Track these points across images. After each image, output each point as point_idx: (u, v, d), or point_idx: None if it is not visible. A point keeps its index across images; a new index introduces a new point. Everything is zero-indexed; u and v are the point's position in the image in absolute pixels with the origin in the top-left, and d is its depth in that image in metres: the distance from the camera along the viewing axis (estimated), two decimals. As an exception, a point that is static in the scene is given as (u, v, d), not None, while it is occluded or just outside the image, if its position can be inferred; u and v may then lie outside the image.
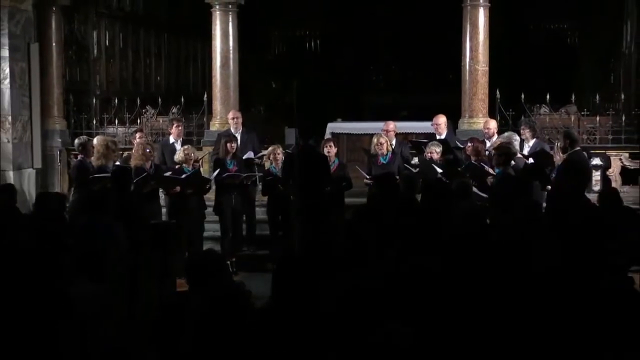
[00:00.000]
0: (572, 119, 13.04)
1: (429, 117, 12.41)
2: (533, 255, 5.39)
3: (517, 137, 11.07)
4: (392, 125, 12.19)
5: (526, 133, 11.43)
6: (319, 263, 4.86)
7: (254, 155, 12.01)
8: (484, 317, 4.38)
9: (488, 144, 11.48)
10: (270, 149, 11.68)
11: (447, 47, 17.28)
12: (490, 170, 10.39)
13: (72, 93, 14.45)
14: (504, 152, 9.98)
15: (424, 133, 12.88)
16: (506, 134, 11.24)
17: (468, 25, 12.96)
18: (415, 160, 11.84)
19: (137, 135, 12.03)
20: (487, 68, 12.93)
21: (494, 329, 4.35)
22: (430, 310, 4.28)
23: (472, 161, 10.72)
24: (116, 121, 14.07)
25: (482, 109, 12.94)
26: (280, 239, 11.29)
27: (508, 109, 12.96)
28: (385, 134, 11.77)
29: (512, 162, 10.00)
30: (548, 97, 13.20)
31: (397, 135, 12.28)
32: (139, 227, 8.14)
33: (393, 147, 11.66)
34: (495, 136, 11.57)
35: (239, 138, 12.08)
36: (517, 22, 19.90)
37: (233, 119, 12.44)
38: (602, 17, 17.17)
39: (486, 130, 11.88)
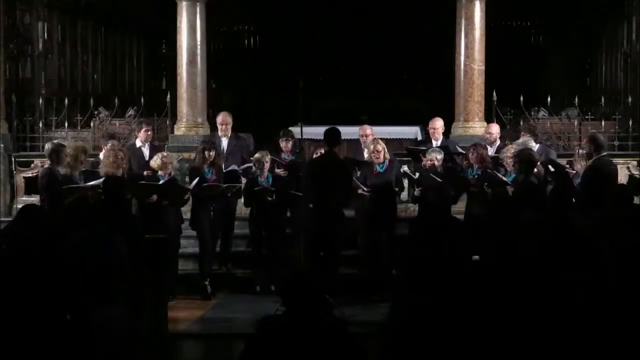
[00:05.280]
0: (575, 123, 12.59)
1: (389, 122, 12.06)
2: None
3: (534, 144, 10.56)
4: (369, 129, 11.43)
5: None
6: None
7: (240, 166, 11.10)
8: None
9: (490, 150, 10.99)
10: (257, 155, 10.61)
11: (401, 46, 16.79)
12: (504, 179, 10.02)
13: (14, 92, 13.42)
14: (527, 159, 9.65)
15: (410, 139, 12.61)
16: (521, 139, 10.74)
17: (463, 21, 12.36)
18: (405, 167, 11.38)
19: (109, 143, 11.04)
20: (483, 67, 12.26)
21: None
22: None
23: (477, 169, 10.46)
24: (66, 124, 13.07)
25: (479, 112, 12.34)
26: (266, 258, 10.55)
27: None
28: (364, 140, 11.19)
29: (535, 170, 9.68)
30: (549, 100, 12.68)
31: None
32: (138, 241, 7.52)
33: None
34: (498, 142, 11.15)
35: (225, 144, 11.30)
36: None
37: (222, 124, 11.45)
38: (574, 16, 16.89)
39: (487, 136, 11.30)
